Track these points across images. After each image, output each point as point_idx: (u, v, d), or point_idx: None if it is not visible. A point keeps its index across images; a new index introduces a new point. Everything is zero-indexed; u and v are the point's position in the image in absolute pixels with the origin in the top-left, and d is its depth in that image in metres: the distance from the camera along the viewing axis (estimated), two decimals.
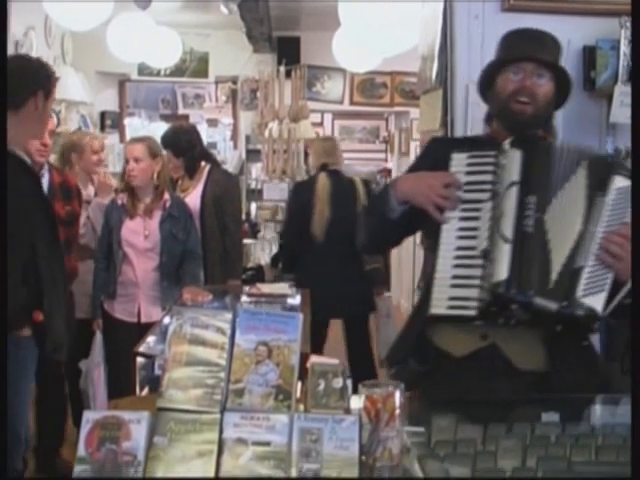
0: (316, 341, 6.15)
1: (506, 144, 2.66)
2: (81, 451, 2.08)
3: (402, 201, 2.73)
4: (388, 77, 11.07)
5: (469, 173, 2.66)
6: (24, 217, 3.57)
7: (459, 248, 2.63)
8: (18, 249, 3.55)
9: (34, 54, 7.22)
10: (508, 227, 2.57)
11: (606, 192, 2.56)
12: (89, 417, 2.13)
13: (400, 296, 10.49)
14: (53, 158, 5.43)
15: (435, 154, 2.92)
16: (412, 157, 10.70)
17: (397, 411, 2.14)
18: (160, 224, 5.14)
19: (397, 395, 2.16)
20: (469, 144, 2.84)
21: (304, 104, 7.72)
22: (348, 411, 2.18)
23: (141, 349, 3.96)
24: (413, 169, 3.01)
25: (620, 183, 2.57)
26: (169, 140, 6.02)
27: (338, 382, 2.20)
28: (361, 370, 5.49)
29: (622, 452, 2.19)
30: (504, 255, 2.55)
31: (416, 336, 2.79)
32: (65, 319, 3.80)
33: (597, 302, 2.54)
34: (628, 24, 3.72)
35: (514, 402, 2.50)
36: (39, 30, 7.78)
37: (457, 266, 2.62)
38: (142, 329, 4.92)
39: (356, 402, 2.19)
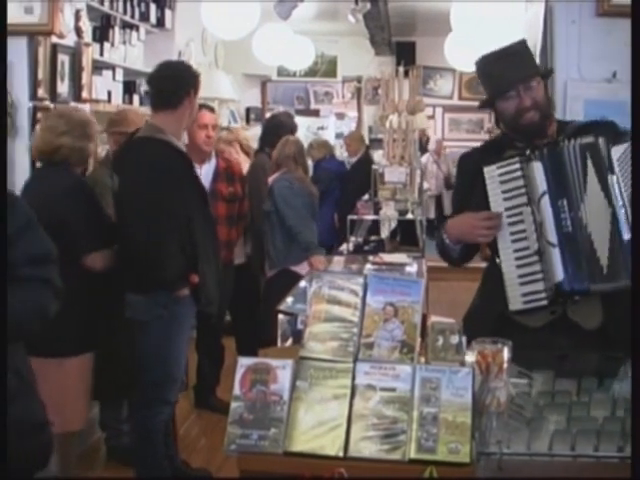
0: None
1: (527, 152, 2.60)
2: (236, 390, 2.13)
3: (456, 243, 2.76)
4: None
5: (503, 182, 2.62)
6: (181, 195, 3.65)
7: (516, 250, 2.61)
8: (175, 222, 3.64)
9: (193, 61, 7.38)
10: (551, 232, 2.54)
11: (612, 167, 2.51)
12: (243, 362, 2.17)
13: None
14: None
15: (468, 170, 2.86)
16: None
17: (505, 365, 2.12)
18: None
19: (505, 351, 2.13)
20: (493, 152, 2.77)
21: (420, 99, 7.65)
22: (463, 364, 2.16)
23: (282, 308, 4.01)
24: (456, 190, 3.05)
25: (617, 153, 2.51)
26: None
27: (455, 338, 2.18)
28: None
29: None
30: (555, 258, 2.53)
31: (495, 314, 2.73)
32: (217, 279, 3.90)
33: None
34: None
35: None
36: (197, 41, 7.92)
37: (519, 266, 2.60)
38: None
39: (470, 356, 2.17)
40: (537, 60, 4.16)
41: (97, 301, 3.58)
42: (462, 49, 7.62)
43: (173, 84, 3.75)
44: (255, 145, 6.58)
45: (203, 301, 3.78)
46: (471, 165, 2.83)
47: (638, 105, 2.50)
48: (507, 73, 2.67)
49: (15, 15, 4.50)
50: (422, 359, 2.20)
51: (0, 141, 2.12)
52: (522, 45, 2.75)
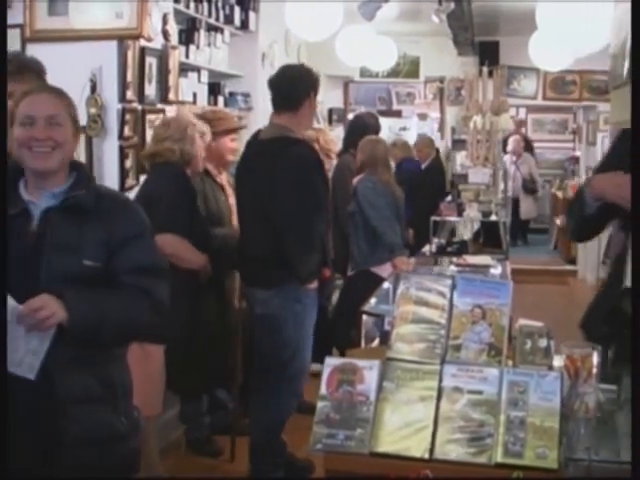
0: None
1: None
2: (323, 390, 2.14)
3: (596, 199, 2.66)
4: (577, 75, 10.73)
5: None
6: (322, 190, 3.81)
7: None
8: (323, 219, 3.80)
9: (276, 63, 7.45)
10: None
11: None
12: (329, 362, 2.18)
13: (585, 270, 10.13)
14: None
15: (624, 145, 2.76)
16: (599, 147, 10.32)
17: (594, 370, 2.08)
18: None
19: (595, 355, 2.10)
20: None
21: (504, 99, 7.59)
22: (551, 368, 2.14)
23: (365, 308, 4.05)
24: (605, 160, 2.94)
25: None
26: None
27: (543, 342, 2.16)
28: None
29: None
30: None
31: (610, 307, 2.68)
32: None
33: None
34: None
35: None
36: (280, 43, 7.99)
37: None
38: None
39: (558, 360, 2.15)
40: (627, 61, 4.09)
41: (182, 295, 3.65)
42: (547, 48, 7.53)
43: (292, 86, 3.87)
44: (337, 147, 6.61)
45: (325, 294, 3.90)
46: (628, 140, 2.70)
47: (638, 105, 2.44)
48: None
49: (106, 20, 4.63)
50: (510, 362, 2.19)
51: (1, 141, 2.14)
52: None
